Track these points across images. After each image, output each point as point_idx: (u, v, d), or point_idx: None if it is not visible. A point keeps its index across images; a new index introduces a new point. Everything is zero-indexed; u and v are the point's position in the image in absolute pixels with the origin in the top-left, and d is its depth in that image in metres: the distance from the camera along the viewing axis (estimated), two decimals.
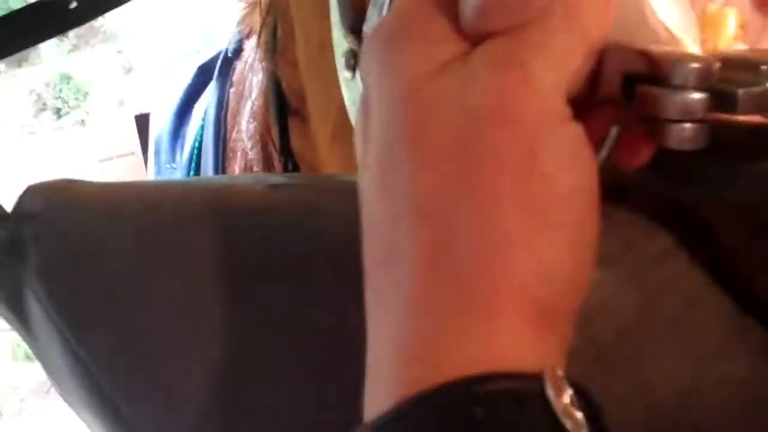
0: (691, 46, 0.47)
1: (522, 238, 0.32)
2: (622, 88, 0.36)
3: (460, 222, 0.32)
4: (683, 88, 0.34)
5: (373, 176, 0.35)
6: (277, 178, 0.85)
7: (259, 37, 1.04)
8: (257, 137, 1.03)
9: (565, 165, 0.33)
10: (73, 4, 0.76)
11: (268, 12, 0.95)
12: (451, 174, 0.32)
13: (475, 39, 0.34)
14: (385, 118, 0.34)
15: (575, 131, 0.34)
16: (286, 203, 0.55)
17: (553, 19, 0.34)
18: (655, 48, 0.36)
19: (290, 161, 0.95)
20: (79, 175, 0.56)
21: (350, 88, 0.67)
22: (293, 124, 0.93)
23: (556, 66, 0.34)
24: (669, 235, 0.48)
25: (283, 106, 0.94)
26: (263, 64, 0.98)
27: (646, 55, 0.36)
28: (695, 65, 0.34)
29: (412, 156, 0.33)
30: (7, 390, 2.77)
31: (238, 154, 1.13)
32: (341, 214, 0.45)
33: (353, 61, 0.66)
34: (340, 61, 0.67)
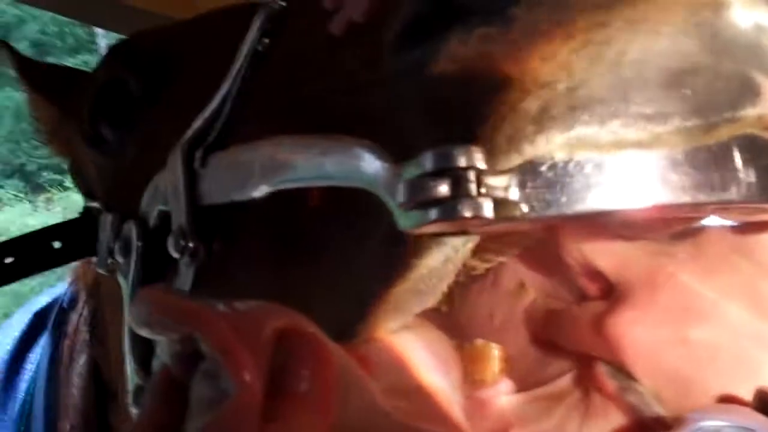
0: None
1: None
2: None
3: None
4: None
5: None
6: None
7: (83, 312, 1.05)
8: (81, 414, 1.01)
9: None
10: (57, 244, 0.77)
11: (90, 295, 0.96)
12: None
13: None
14: None
15: None
16: None
17: None
18: None
19: None
20: None
21: None
22: (111, 407, 0.92)
23: None
24: None
25: (103, 398, 0.93)
26: (86, 342, 0.98)
27: None
28: None
29: None
30: None
31: (69, 410, 1.09)
32: None
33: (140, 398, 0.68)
34: (129, 395, 0.69)
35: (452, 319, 0.57)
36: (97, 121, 0.83)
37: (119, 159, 0.81)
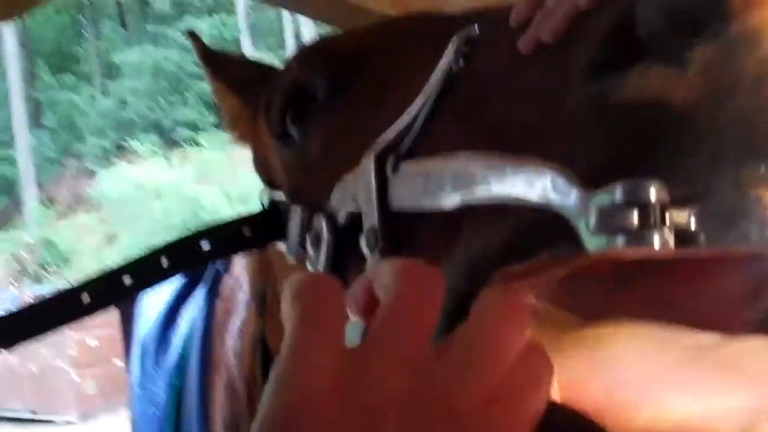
0: None
1: None
2: None
3: None
4: None
5: None
6: None
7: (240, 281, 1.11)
8: (243, 381, 1.08)
9: None
10: (86, 298, 0.82)
11: (258, 273, 1.01)
12: None
13: None
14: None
15: None
16: None
17: None
18: None
19: None
20: None
21: None
22: None
23: None
24: None
25: (268, 363, 0.99)
26: (250, 312, 1.04)
27: None
28: None
29: None
30: None
31: (222, 368, 1.16)
32: None
33: None
34: None
35: None
36: (285, 117, 0.88)
37: (304, 154, 0.85)
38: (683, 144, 0.48)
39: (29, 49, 24.38)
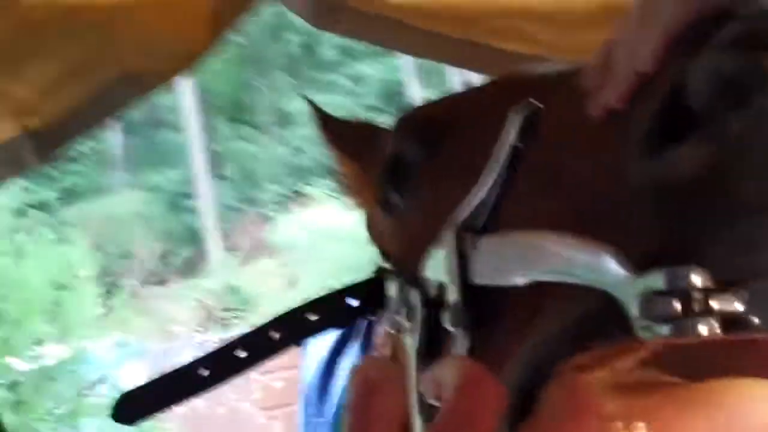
0: None
1: None
2: None
3: None
4: None
5: None
6: None
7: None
8: None
9: None
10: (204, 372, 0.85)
11: None
12: None
13: None
14: None
15: None
16: None
17: None
18: None
19: None
20: None
21: None
22: None
23: None
24: None
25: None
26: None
27: None
28: None
29: None
30: None
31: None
32: None
33: None
34: None
35: None
36: (386, 187, 0.89)
37: (403, 222, 0.88)
38: (723, 224, 0.47)
39: (207, 103, 25.67)
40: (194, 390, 0.85)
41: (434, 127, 0.87)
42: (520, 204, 0.67)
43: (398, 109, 1.13)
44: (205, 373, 0.85)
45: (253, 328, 0.90)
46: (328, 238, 16.97)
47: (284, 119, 27.81)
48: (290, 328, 0.91)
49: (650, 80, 0.53)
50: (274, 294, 19.74)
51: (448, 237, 0.72)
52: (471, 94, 0.93)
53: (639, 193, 0.51)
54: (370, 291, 0.92)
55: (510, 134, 0.68)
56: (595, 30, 1.51)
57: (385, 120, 1.12)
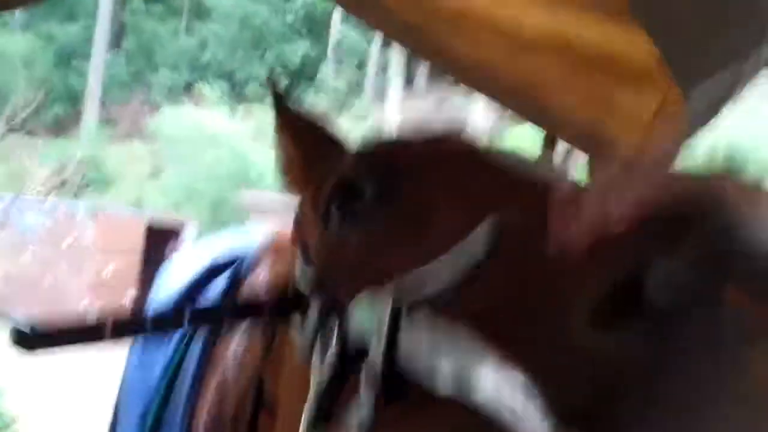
0: None
1: None
2: None
3: None
4: None
5: None
6: None
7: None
8: (234, 400, 1.09)
9: None
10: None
11: (268, 329, 1.02)
12: None
13: None
14: None
15: None
16: None
17: None
18: None
19: None
20: None
21: None
22: (262, 418, 0.99)
23: None
24: None
25: (259, 399, 1.00)
26: (255, 356, 1.06)
27: None
28: None
29: None
30: None
31: (219, 367, 1.15)
32: None
33: None
34: None
35: None
36: (333, 203, 0.87)
37: (342, 244, 0.83)
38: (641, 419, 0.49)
39: None
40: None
41: (391, 171, 0.85)
42: (467, 305, 0.64)
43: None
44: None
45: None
46: (207, 141, 16.40)
47: (200, 10, 26.85)
48: (201, 313, 0.88)
49: (613, 245, 0.53)
50: (134, 179, 19.21)
51: (386, 299, 0.69)
52: (434, 145, 0.89)
53: (579, 351, 0.52)
54: (286, 302, 0.91)
55: (477, 240, 0.67)
56: (539, 55, 1.50)
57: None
